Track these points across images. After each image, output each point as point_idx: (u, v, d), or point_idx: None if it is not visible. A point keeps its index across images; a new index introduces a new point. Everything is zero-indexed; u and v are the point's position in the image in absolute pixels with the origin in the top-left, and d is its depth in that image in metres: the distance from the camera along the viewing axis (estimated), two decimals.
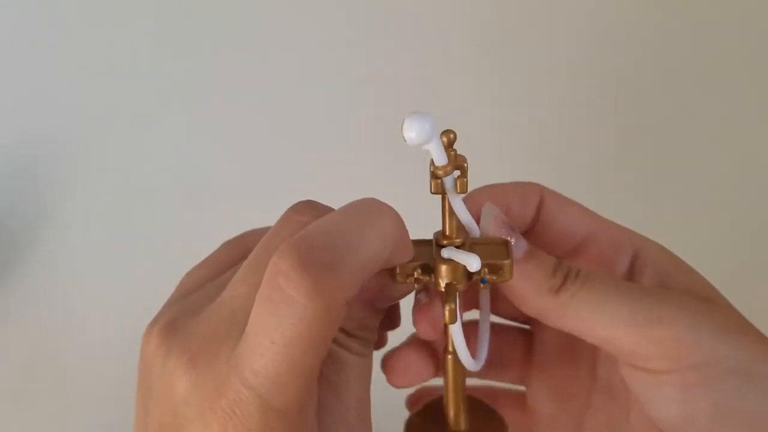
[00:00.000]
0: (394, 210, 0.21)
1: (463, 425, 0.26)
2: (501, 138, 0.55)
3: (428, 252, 0.23)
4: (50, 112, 0.60)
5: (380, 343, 0.27)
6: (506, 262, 0.22)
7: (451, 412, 0.26)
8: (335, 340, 0.22)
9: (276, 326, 0.19)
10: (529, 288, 0.23)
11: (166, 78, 0.60)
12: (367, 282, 0.21)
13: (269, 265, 0.19)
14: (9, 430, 0.49)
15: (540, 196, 0.26)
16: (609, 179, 0.53)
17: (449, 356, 0.25)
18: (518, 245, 0.23)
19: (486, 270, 0.22)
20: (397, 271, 0.22)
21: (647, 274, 0.25)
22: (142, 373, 0.23)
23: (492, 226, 0.23)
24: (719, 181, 0.52)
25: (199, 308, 0.23)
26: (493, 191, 0.26)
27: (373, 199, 0.21)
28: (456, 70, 0.58)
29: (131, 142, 0.58)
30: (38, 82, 0.61)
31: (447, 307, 0.21)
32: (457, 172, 0.21)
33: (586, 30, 0.58)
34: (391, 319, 0.26)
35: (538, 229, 0.27)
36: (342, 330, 0.23)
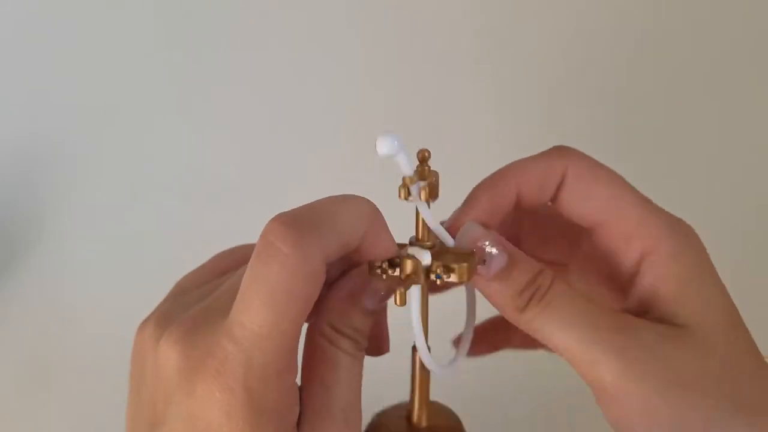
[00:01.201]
0: (369, 200, 0.24)
1: (424, 422, 0.28)
2: (501, 137, 0.55)
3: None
4: (50, 112, 0.60)
5: (382, 349, 0.28)
6: (462, 265, 0.24)
7: (415, 409, 0.28)
8: (327, 337, 0.24)
9: (262, 276, 0.21)
10: (499, 303, 0.25)
11: (167, 78, 0.60)
12: (346, 276, 0.25)
13: (262, 232, 0.21)
14: (9, 429, 0.49)
15: (562, 175, 0.26)
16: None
17: (417, 354, 0.27)
18: (495, 262, 0.24)
19: (441, 269, 0.24)
20: (369, 264, 0.25)
21: (644, 281, 0.25)
22: (135, 360, 0.25)
23: (466, 244, 0.25)
24: (720, 182, 0.52)
25: (194, 303, 0.24)
26: (513, 173, 0.27)
27: (352, 194, 0.24)
28: (456, 69, 0.58)
29: (131, 142, 0.58)
30: (38, 82, 0.61)
31: (398, 290, 0.23)
32: (422, 183, 0.24)
33: (586, 30, 0.58)
34: (379, 342, 0.28)
35: (552, 209, 0.27)
36: (333, 328, 0.24)
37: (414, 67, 0.58)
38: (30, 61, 0.61)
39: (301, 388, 0.23)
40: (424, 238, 0.25)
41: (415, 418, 0.28)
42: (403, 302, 0.23)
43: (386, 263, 0.25)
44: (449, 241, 0.26)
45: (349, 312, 0.25)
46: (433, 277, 0.24)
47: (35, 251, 0.55)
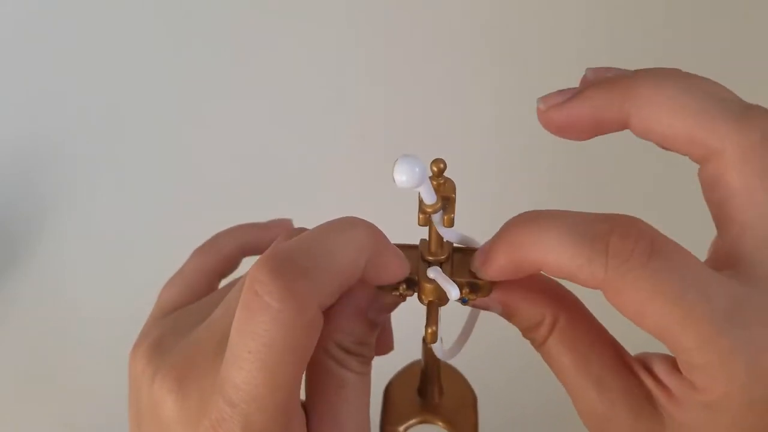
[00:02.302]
0: (369, 223, 0.22)
1: (436, 397, 0.28)
2: (501, 136, 0.55)
3: (413, 259, 0.24)
4: (50, 112, 0.60)
5: (387, 348, 0.27)
6: (486, 282, 0.23)
7: (427, 384, 0.28)
8: (333, 356, 0.23)
9: (252, 334, 0.19)
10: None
11: (167, 78, 0.60)
12: (351, 291, 0.22)
13: (247, 277, 0.19)
14: (9, 429, 0.49)
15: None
16: (610, 179, 0.53)
17: (427, 345, 0.27)
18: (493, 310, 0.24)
19: (467, 290, 0.23)
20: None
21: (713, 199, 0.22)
22: (132, 393, 0.24)
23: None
24: None
25: (187, 328, 0.23)
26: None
27: (350, 216, 0.22)
28: (457, 68, 0.58)
29: (131, 142, 0.58)
30: (38, 82, 0.61)
31: (429, 329, 0.22)
32: (444, 210, 0.22)
33: (587, 30, 0.58)
34: (384, 342, 0.27)
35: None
36: (340, 347, 0.23)
37: (414, 67, 0.58)
38: (30, 61, 0.61)
39: (306, 411, 0.22)
40: (437, 251, 0.23)
41: (427, 389, 0.28)
42: (435, 341, 0.23)
43: (403, 286, 0.23)
44: (470, 243, 0.24)
45: (354, 327, 0.23)
46: (459, 301, 0.23)
47: (35, 251, 0.55)
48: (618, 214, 0.20)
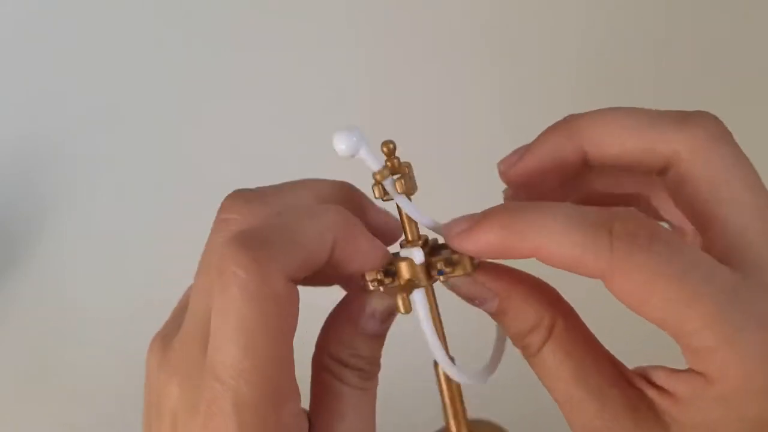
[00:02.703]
0: (341, 208, 0.22)
1: None
2: (503, 138, 0.55)
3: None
4: (50, 112, 0.60)
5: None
6: (463, 256, 0.22)
7: (452, 429, 0.25)
8: (328, 369, 0.23)
9: (227, 309, 0.19)
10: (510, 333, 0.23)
11: (167, 78, 0.60)
12: (343, 302, 0.23)
13: (218, 254, 0.20)
14: (10, 429, 0.49)
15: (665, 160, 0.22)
16: None
17: (439, 368, 0.25)
18: (485, 305, 0.23)
19: (442, 263, 0.22)
20: (362, 279, 0.23)
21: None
22: (145, 387, 0.24)
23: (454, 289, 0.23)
24: None
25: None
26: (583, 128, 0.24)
27: (321, 205, 0.23)
28: (457, 68, 0.58)
29: (131, 142, 0.58)
30: (38, 82, 0.61)
31: (399, 296, 0.21)
32: (396, 176, 0.22)
33: (587, 30, 0.58)
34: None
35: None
36: (335, 359, 0.23)
37: (415, 67, 0.58)
38: (30, 61, 0.61)
39: (309, 422, 0.22)
40: (414, 237, 0.23)
41: None
42: (408, 309, 0.21)
43: (380, 273, 0.23)
44: (430, 223, 0.23)
45: (349, 340, 0.23)
46: (435, 274, 0.22)
47: (35, 251, 0.55)
48: (617, 207, 0.21)
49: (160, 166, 0.57)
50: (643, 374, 0.21)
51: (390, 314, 0.24)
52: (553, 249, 0.20)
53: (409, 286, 0.22)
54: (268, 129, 0.58)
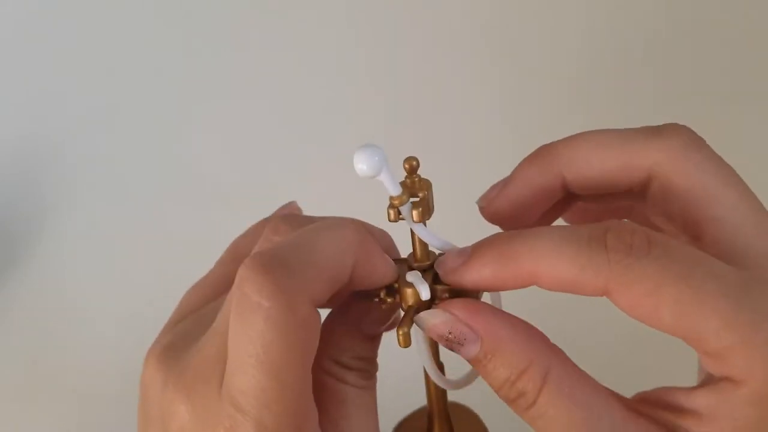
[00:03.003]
0: (358, 224, 0.22)
1: None
2: (504, 138, 0.55)
3: (401, 270, 0.23)
4: (50, 112, 0.60)
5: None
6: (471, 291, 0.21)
7: (435, 426, 0.26)
8: (329, 372, 0.22)
9: (249, 337, 0.19)
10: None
11: (167, 78, 0.60)
12: (344, 306, 0.22)
13: (236, 278, 0.19)
14: (10, 429, 0.49)
15: (647, 173, 0.23)
16: None
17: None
18: (465, 347, 0.21)
19: (447, 295, 0.21)
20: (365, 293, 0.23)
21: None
22: (142, 399, 0.23)
23: (428, 332, 0.22)
24: None
25: (195, 333, 0.23)
26: (561, 157, 0.23)
27: (339, 217, 0.22)
28: (457, 68, 0.58)
29: (131, 142, 0.58)
30: (38, 82, 0.61)
31: (400, 331, 0.21)
32: (413, 200, 0.21)
33: (587, 30, 0.58)
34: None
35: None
36: (338, 363, 0.22)
37: (414, 67, 0.58)
38: (30, 61, 0.61)
39: None
40: (422, 258, 0.22)
41: (435, 427, 0.26)
42: (408, 344, 0.21)
43: (384, 291, 0.22)
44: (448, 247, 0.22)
45: (350, 343, 0.23)
46: (437, 303, 0.21)
47: (35, 251, 0.55)
48: (608, 220, 0.20)
49: (160, 166, 0.57)
50: (656, 399, 0.20)
51: (389, 320, 0.24)
52: (550, 272, 0.19)
53: (408, 314, 0.21)
54: (268, 129, 0.58)
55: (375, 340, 0.24)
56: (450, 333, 0.21)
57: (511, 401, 0.20)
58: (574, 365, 0.21)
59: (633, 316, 0.19)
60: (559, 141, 0.24)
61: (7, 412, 0.49)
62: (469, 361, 0.21)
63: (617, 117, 0.55)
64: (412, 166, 0.21)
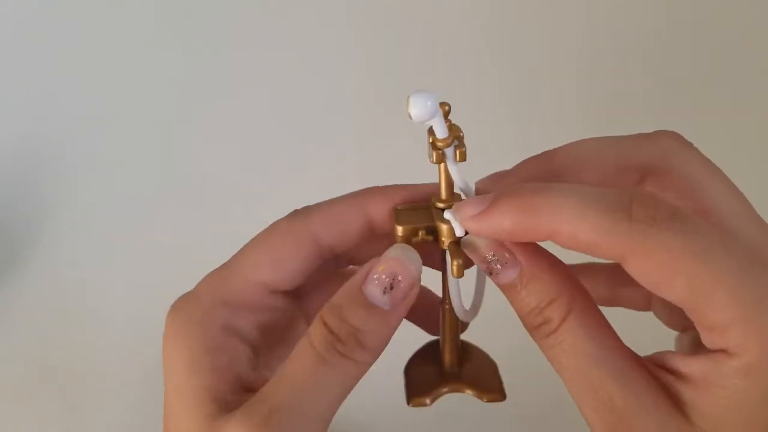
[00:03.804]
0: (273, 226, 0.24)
1: (456, 367, 0.28)
2: (502, 137, 0.55)
3: (427, 214, 0.24)
4: (50, 112, 0.60)
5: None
6: None
7: (447, 355, 0.27)
8: (312, 333, 0.23)
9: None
10: (515, 309, 0.23)
11: (167, 78, 0.60)
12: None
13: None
14: (10, 429, 0.49)
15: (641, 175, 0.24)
16: None
17: (446, 306, 0.27)
18: (502, 274, 0.22)
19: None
20: (399, 233, 0.24)
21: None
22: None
23: (474, 257, 0.23)
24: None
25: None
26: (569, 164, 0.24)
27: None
28: (457, 68, 0.58)
29: (131, 142, 0.58)
30: (38, 82, 0.61)
31: (455, 262, 0.22)
32: (455, 143, 0.23)
33: (588, 30, 0.58)
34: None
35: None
36: (324, 322, 0.22)
37: (414, 67, 0.58)
38: (30, 61, 0.61)
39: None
40: (448, 199, 0.24)
41: (447, 360, 0.27)
42: (461, 274, 0.23)
43: (423, 231, 0.24)
44: (472, 194, 0.24)
45: (343, 299, 0.22)
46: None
47: (35, 251, 0.55)
48: (634, 188, 0.21)
49: (160, 166, 0.57)
50: (657, 361, 0.21)
51: (405, 293, 0.23)
52: (571, 232, 0.20)
53: (455, 248, 0.23)
54: (268, 129, 0.58)
55: (378, 316, 0.22)
56: (493, 255, 0.22)
57: (533, 328, 0.22)
58: (597, 308, 0.22)
59: (644, 283, 0.20)
60: (557, 148, 0.25)
61: (7, 412, 0.49)
62: (501, 286, 0.22)
63: (617, 117, 0.55)
64: (445, 111, 0.23)
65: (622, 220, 0.19)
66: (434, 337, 0.29)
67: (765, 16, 0.56)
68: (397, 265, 0.22)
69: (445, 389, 0.27)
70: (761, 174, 0.53)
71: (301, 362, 0.22)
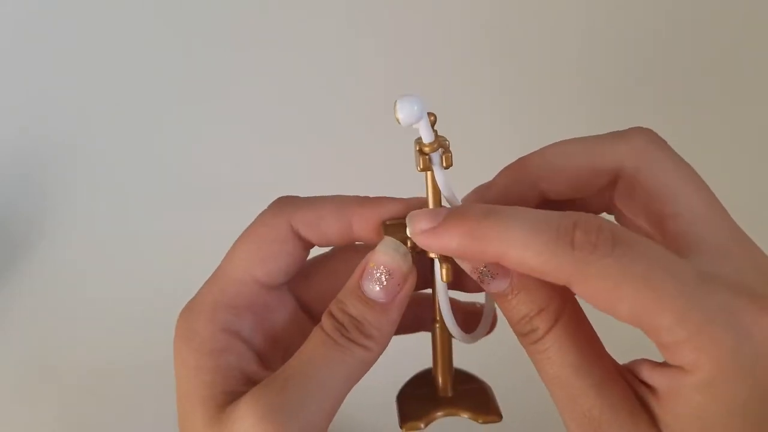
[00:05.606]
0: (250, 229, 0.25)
1: (450, 392, 0.28)
2: (502, 136, 0.55)
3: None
4: (50, 112, 0.60)
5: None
6: None
7: (440, 378, 0.27)
8: (324, 323, 0.24)
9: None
10: (505, 316, 0.23)
11: (167, 78, 0.60)
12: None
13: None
14: (10, 429, 0.49)
15: (614, 175, 0.24)
16: None
17: (437, 325, 0.26)
18: (493, 284, 0.23)
19: None
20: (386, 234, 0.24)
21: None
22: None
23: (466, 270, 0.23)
24: (723, 187, 0.52)
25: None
26: (537, 168, 0.25)
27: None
28: (457, 68, 0.58)
29: (131, 142, 0.58)
30: (38, 82, 0.61)
31: (444, 266, 0.23)
32: (441, 149, 0.23)
33: (588, 30, 0.58)
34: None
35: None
36: (331, 313, 0.24)
37: (414, 67, 0.58)
38: (30, 61, 0.61)
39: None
40: (437, 206, 0.24)
41: (440, 385, 0.27)
42: (450, 278, 0.23)
43: (411, 242, 0.23)
44: (458, 203, 0.24)
45: (344, 295, 0.24)
46: None
47: (35, 252, 0.55)
48: (578, 212, 0.21)
49: (160, 166, 0.57)
50: (633, 370, 0.22)
51: (400, 281, 0.24)
52: (516, 258, 0.20)
53: (447, 257, 0.23)
54: (268, 128, 0.58)
55: (377, 308, 0.24)
56: (484, 267, 0.22)
57: (522, 335, 0.22)
58: (585, 318, 0.23)
59: (594, 306, 0.20)
60: (532, 152, 0.25)
61: (7, 412, 0.49)
62: (492, 295, 0.23)
63: (617, 116, 0.55)
64: (431, 121, 0.23)
65: (564, 247, 0.20)
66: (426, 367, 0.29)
67: (765, 16, 0.56)
68: (387, 259, 0.24)
69: (440, 413, 0.27)
70: (761, 174, 0.53)
71: (313, 343, 0.23)
